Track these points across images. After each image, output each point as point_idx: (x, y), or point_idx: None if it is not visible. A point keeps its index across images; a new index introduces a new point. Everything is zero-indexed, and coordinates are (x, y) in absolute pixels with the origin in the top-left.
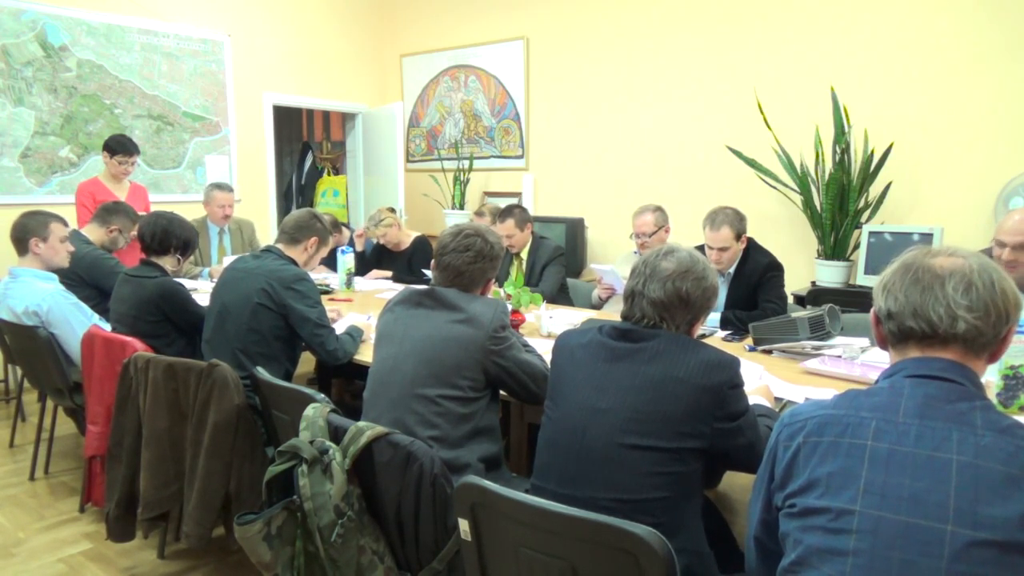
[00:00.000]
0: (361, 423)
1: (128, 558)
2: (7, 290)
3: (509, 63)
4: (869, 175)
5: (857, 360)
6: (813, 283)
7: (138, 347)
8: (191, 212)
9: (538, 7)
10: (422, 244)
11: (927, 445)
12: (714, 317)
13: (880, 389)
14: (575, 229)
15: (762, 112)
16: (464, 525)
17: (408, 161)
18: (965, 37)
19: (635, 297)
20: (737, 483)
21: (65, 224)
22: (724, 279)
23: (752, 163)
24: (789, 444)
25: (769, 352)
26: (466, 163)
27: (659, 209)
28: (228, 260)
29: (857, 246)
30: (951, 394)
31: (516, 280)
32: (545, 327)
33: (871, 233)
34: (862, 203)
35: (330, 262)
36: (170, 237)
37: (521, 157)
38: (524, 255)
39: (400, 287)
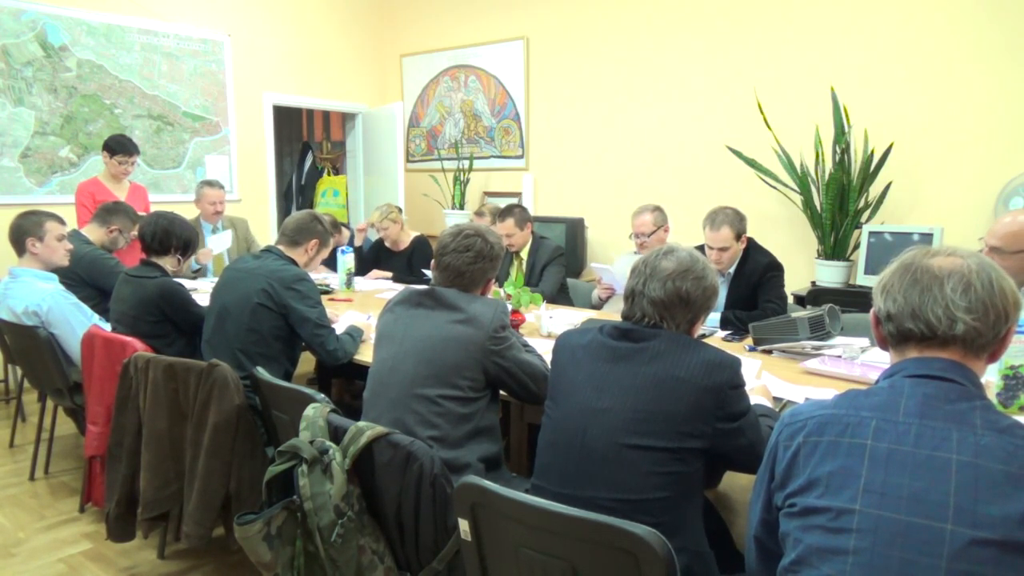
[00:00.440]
0: (361, 423)
1: (128, 558)
2: (7, 290)
3: (509, 63)
4: (869, 175)
5: (857, 360)
6: (813, 283)
7: (138, 347)
8: (191, 212)
9: (538, 7)
10: (421, 244)
11: (927, 445)
12: (714, 317)
13: (880, 389)
14: (575, 229)
15: (762, 112)
16: (464, 525)
17: (408, 161)
18: (965, 37)
19: (635, 297)
20: (737, 483)
21: (62, 222)
22: (724, 279)
23: (752, 163)
24: (789, 444)
25: (769, 352)
26: (466, 163)
27: (658, 209)
28: (215, 240)
29: (857, 246)
30: (951, 394)
31: (516, 280)
32: (545, 327)
33: (871, 233)
34: (862, 203)
35: (330, 262)
36: (171, 237)
37: (521, 157)
38: (524, 255)
39: (400, 287)
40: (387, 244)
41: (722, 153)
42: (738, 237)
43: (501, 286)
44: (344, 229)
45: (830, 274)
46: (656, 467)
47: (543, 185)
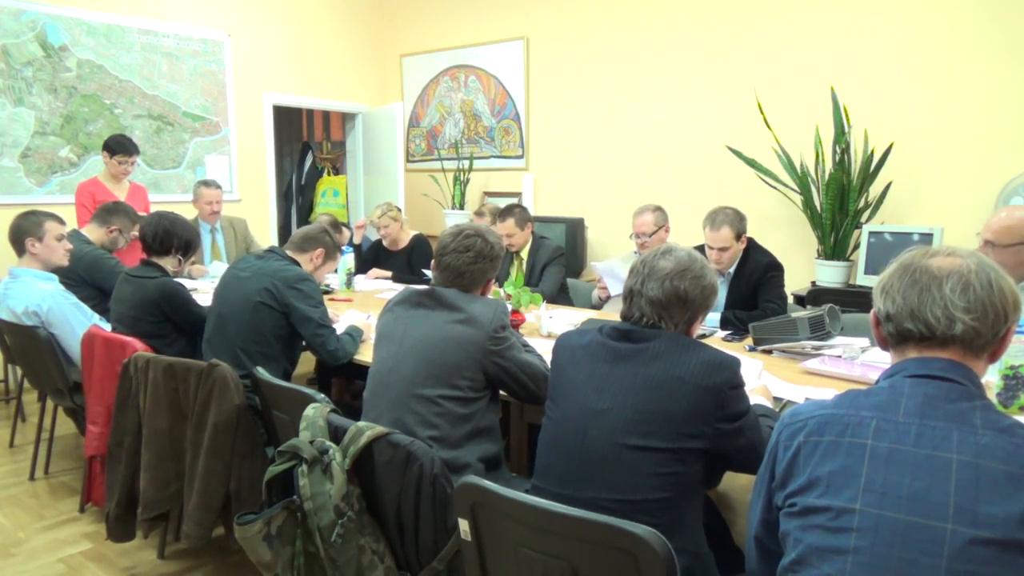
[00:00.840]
0: (361, 423)
1: (128, 558)
2: (7, 290)
3: (509, 63)
4: (869, 175)
5: (857, 360)
6: (813, 283)
7: (138, 347)
8: (191, 213)
9: (538, 7)
10: (420, 243)
11: (927, 444)
12: (714, 317)
13: (880, 389)
14: (575, 229)
15: (762, 112)
16: (464, 525)
17: (408, 161)
18: (965, 37)
19: (634, 296)
20: (737, 483)
21: (61, 222)
22: (724, 279)
23: (752, 163)
24: (790, 444)
25: (769, 352)
26: (466, 163)
27: (659, 209)
28: (216, 267)
29: (857, 246)
30: (951, 394)
31: (516, 280)
32: (545, 327)
33: (871, 233)
34: (862, 203)
35: None
36: (171, 238)
37: (521, 157)
38: (524, 255)
39: (400, 287)
40: (386, 243)
41: (722, 153)
42: (738, 237)
43: (501, 286)
44: (344, 229)
45: (830, 274)
46: (656, 468)
47: (543, 185)
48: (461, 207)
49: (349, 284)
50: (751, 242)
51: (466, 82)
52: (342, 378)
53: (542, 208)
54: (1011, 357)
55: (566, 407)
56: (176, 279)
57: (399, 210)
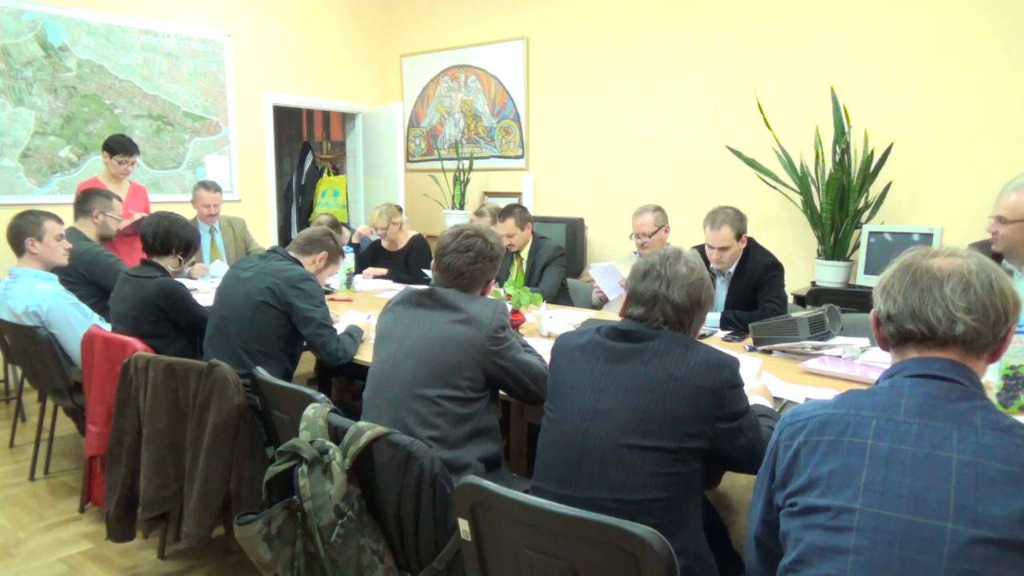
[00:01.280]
0: (361, 423)
1: (128, 558)
2: (7, 290)
3: (509, 63)
4: (869, 175)
5: (857, 360)
6: (813, 283)
7: (138, 347)
8: (191, 213)
9: (538, 7)
10: (419, 243)
11: (927, 444)
12: (714, 317)
13: (881, 389)
14: (575, 229)
15: (762, 112)
16: (464, 525)
17: (408, 161)
18: (965, 37)
19: (658, 300)
20: (737, 483)
21: (60, 221)
22: (724, 279)
23: (752, 163)
24: (790, 443)
25: (769, 352)
26: (466, 163)
27: (659, 209)
28: (217, 266)
29: (857, 246)
30: (951, 393)
31: (516, 280)
32: (545, 327)
33: (871, 233)
34: (862, 203)
35: None
36: (172, 238)
37: (521, 157)
38: (524, 255)
39: (400, 287)
40: (385, 244)
41: (722, 153)
42: (738, 237)
43: (501, 286)
44: (345, 229)
45: (830, 274)
46: (656, 467)
47: (543, 185)
48: (461, 207)
49: (349, 284)
50: (751, 242)
51: (466, 82)
52: (342, 378)
53: (542, 208)
54: (1011, 357)
55: (566, 408)
56: (176, 279)
57: (400, 210)
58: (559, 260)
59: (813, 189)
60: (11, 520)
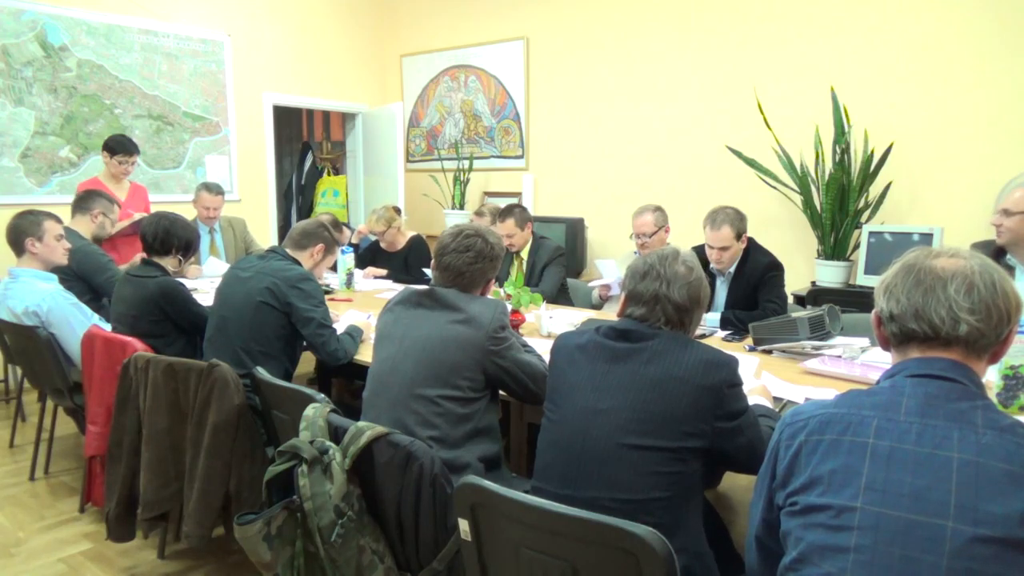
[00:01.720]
0: (361, 423)
1: (128, 558)
2: (7, 290)
3: (509, 63)
4: (869, 175)
5: (857, 360)
6: (813, 283)
7: (138, 347)
8: (191, 213)
9: (538, 7)
10: (418, 243)
11: (928, 443)
12: (714, 317)
13: (881, 388)
14: (575, 229)
15: (762, 112)
16: (464, 525)
17: (408, 161)
18: (965, 37)
19: (660, 301)
20: (737, 483)
21: (59, 221)
22: (724, 279)
23: (752, 163)
24: (791, 443)
25: (769, 352)
26: (466, 163)
27: (659, 209)
28: (211, 265)
29: (857, 246)
30: (952, 393)
31: (516, 280)
32: (545, 327)
33: (871, 233)
34: (862, 203)
35: None
36: (172, 237)
37: (521, 157)
38: (524, 255)
39: (400, 287)
40: (383, 245)
41: (722, 153)
42: (738, 237)
43: (501, 286)
44: (345, 229)
45: (830, 274)
46: (656, 467)
47: (543, 185)
48: (461, 207)
49: (349, 284)
50: (751, 242)
51: (466, 82)
52: (342, 378)
53: (542, 208)
54: (1011, 357)
55: (565, 408)
56: (176, 279)
57: (397, 211)
58: (559, 260)
59: (813, 189)
60: (11, 520)
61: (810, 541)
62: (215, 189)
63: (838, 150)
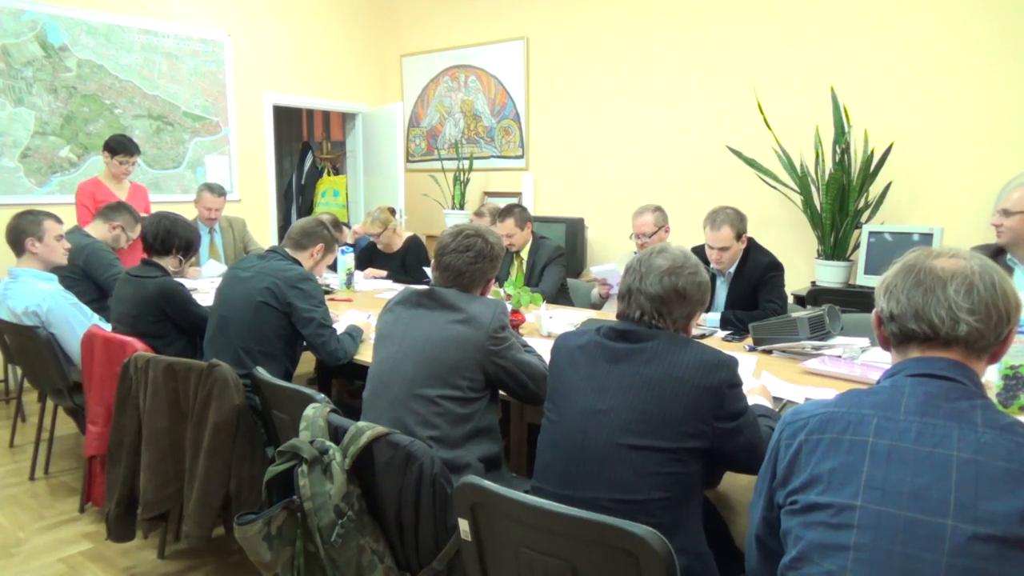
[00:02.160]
0: (361, 423)
1: (128, 558)
2: (7, 290)
3: (509, 63)
4: (869, 175)
5: (857, 360)
6: (813, 283)
7: (138, 347)
8: (191, 213)
9: (538, 7)
10: (415, 243)
11: (928, 442)
12: (714, 317)
13: (881, 388)
14: (575, 229)
15: (762, 112)
16: (464, 525)
17: (408, 161)
18: (965, 37)
19: (632, 294)
20: (737, 483)
21: (59, 221)
22: (724, 279)
23: (752, 163)
24: (791, 442)
25: (769, 352)
26: (466, 163)
27: (659, 209)
28: (209, 267)
29: (857, 246)
30: (952, 392)
31: (516, 280)
32: (545, 327)
33: (871, 233)
34: (862, 203)
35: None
36: (172, 238)
37: (521, 157)
38: (524, 255)
39: (399, 287)
40: (380, 247)
41: (722, 153)
42: (738, 237)
43: (501, 286)
44: (345, 228)
45: (830, 274)
46: (656, 467)
47: (543, 185)
48: (461, 207)
49: (349, 284)
50: (751, 242)
51: (466, 82)
52: (342, 378)
53: (542, 208)
54: (1011, 357)
55: (565, 408)
56: (176, 279)
57: (392, 212)
58: (559, 260)
59: (813, 189)
60: (11, 520)
61: (810, 540)
62: (217, 190)
63: (838, 150)
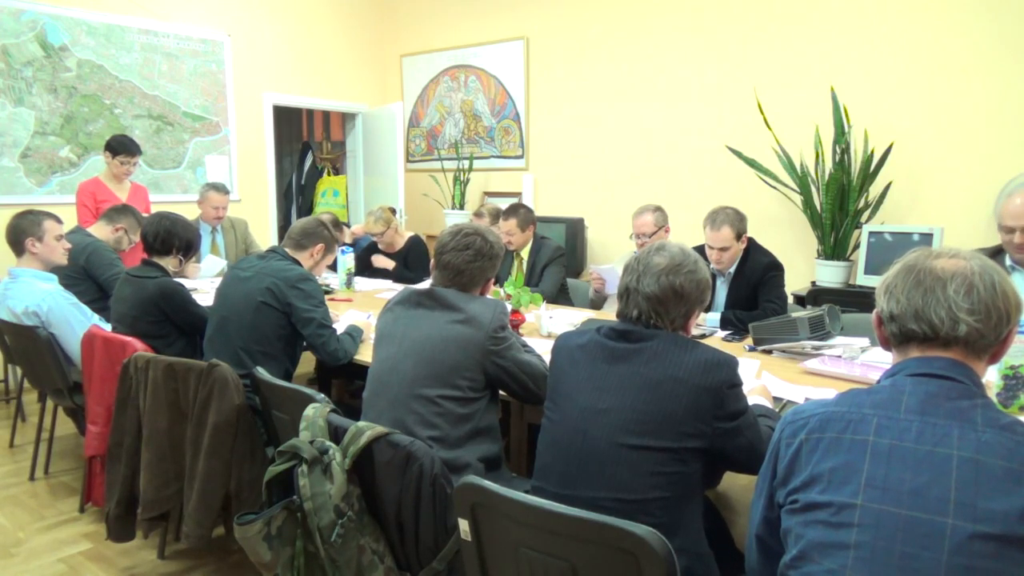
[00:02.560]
0: (361, 423)
1: (128, 558)
2: (7, 290)
3: (509, 63)
4: (869, 175)
5: (857, 360)
6: (813, 283)
7: (138, 347)
8: (191, 212)
9: (538, 7)
10: (416, 243)
11: (928, 441)
12: (714, 317)
13: (882, 387)
14: (575, 229)
15: (762, 112)
16: (464, 525)
17: (408, 161)
18: (965, 37)
19: (630, 293)
20: (737, 483)
21: (59, 221)
22: (724, 279)
23: (752, 163)
24: (791, 441)
25: (769, 352)
26: (466, 163)
27: (659, 209)
28: (208, 262)
29: (857, 246)
30: (952, 392)
31: (516, 280)
32: (545, 327)
33: (871, 233)
34: (862, 203)
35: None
36: (172, 238)
37: (521, 157)
38: (525, 255)
39: (400, 287)
40: (381, 247)
41: (722, 153)
42: (738, 237)
43: (501, 286)
44: (345, 228)
45: (830, 274)
46: (656, 467)
47: (543, 185)
48: (461, 207)
49: (349, 284)
50: (751, 242)
51: (466, 82)
52: (342, 378)
53: (542, 208)
54: (1011, 357)
55: (565, 407)
56: (176, 279)
57: (393, 212)
58: (559, 260)
59: (813, 189)
60: (11, 520)
61: (810, 538)
62: (223, 189)
63: (838, 150)
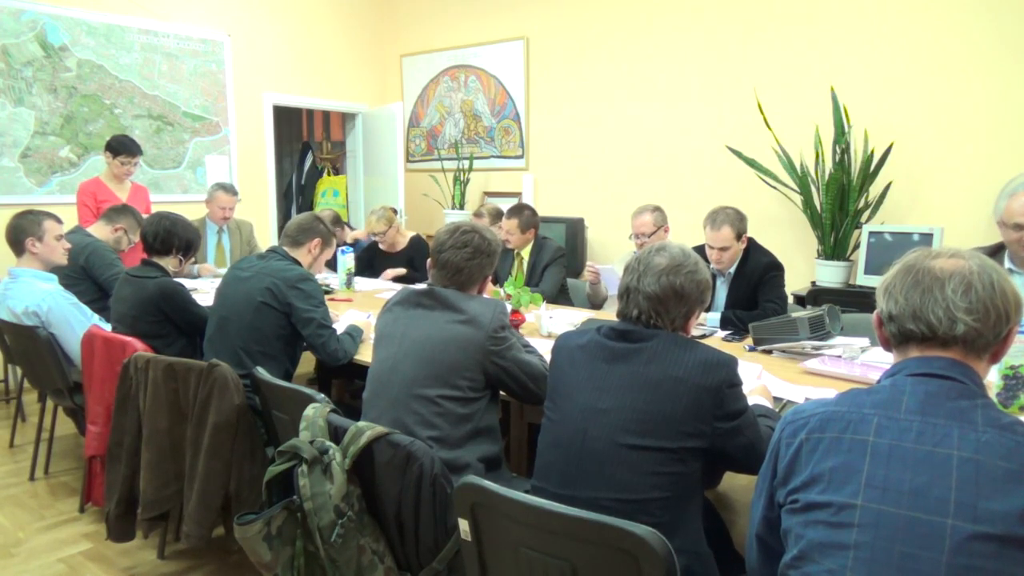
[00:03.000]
0: (361, 423)
1: (128, 558)
2: (7, 290)
3: (509, 63)
4: (869, 175)
5: (857, 360)
6: (813, 283)
7: (138, 347)
8: (191, 212)
9: (538, 7)
10: (419, 242)
11: (928, 441)
12: (714, 317)
13: (882, 387)
14: (575, 229)
15: (762, 112)
16: (464, 525)
17: (408, 161)
18: (965, 37)
19: (630, 293)
20: (737, 483)
21: (59, 221)
22: (724, 279)
23: (752, 163)
24: (792, 441)
25: (769, 352)
26: (466, 163)
27: (658, 209)
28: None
29: (857, 246)
30: (952, 392)
31: (516, 280)
32: (545, 327)
33: (871, 233)
34: (862, 203)
35: (330, 262)
36: (172, 238)
37: (521, 157)
38: (525, 255)
39: (399, 287)
40: (383, 247)
41: (722, 153)
42: (739, 237)
43: (501, 285)
44: (346, 228)
45: (830, 274)
46: (656, 467)
47: (543, 185)
48: (461, 207)
49: (349, 284)
50: (751, 242)
51: (466, 82)
52: (342, 378)
53: (542, 208)
54: (1011, 357)
55: (565, 407)
56: (177, 279)
57: (395, 212)
58: (560, 260)
59: (813, 189)
60: (11, 520)
61: (811, 538)
62: (232, 190)
63: (838, 150)
